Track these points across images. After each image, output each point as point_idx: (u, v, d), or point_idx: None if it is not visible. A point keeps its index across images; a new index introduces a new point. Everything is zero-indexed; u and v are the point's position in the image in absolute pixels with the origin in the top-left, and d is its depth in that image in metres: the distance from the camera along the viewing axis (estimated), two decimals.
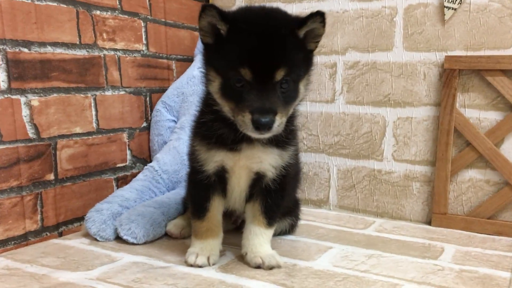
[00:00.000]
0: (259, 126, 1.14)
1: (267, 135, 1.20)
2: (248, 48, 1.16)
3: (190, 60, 2.26)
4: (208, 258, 1.36)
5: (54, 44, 1.63)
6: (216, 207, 1.40)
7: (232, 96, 1.19)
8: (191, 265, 1.34)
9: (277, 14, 1.27)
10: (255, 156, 1.33)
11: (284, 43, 1.18)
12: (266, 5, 1.39)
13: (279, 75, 1.17)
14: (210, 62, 1.26)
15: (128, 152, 1.95)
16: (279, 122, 1.17)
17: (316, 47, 1.30)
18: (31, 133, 1.56)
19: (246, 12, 1.27)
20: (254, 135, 1.20)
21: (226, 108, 1.23)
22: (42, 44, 1.59)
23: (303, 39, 1.24)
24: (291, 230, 1.68)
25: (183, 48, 2.24)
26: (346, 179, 2.05)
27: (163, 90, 2.10)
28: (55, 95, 1.63)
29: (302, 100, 1.33)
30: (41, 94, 1.59)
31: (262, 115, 1.14)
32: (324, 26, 1.24)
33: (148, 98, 2.04)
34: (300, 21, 1.21)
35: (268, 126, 1.15)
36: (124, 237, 1.51)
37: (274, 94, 1.17)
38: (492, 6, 1.75)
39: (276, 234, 1.64)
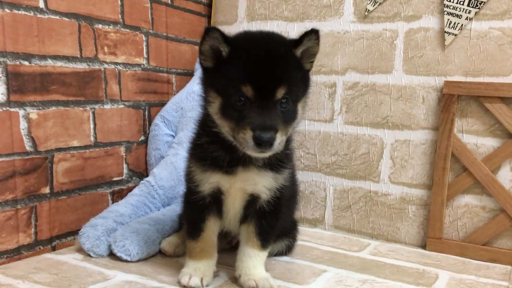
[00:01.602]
0: (260, 143, 1.15)
1: (267, 153, 1.20)
2: (249, 66, 1.18)
3: (190, 74, 2.26)
4: (202, 279, 1.35)
5: (55, 57, 1.63)
6: (211, 228, 1.40)
7: (233, 115, 1.20)
8: (184, 286, 1.33)
9: (275, 36, 1.31)
10: (250, 178, 1.34)
11: (284, 62, 1.21)
12: (263, 30, 1.42)
13: (280, 93, 1.18)
14: (209, 83, 1.27)
15: (124, 166, 1.94)
16: (279, 140, 1.18)
17: (311, 67, 1.33)
18: (28, 146, 1.55)
19: (246, 35, 1.31)
20: (255, 153, 1.20)
21: (225, 128, 1.24)
22: (43, 57, 1.59)
23: (300, 59, 1.27)
24: (287, 251, 1.68)
25: (184, 63, 2.24)
26: (342, 199, 2.05)
27: (162, 104, 2.10)
28: (53, 108, 1.63)
29: (299, 123, 1.33)
30: (40, 107, 1.59)
31: (264, 132, 1.14)
32: (318, 44, 1.28)
33: (146, 112, 2.04)
34: (296, 41, 1.25)
35: (269, 143, 1.15)
36: (118, 254, 1.50)
37: (275, 112, 1.19)
38: (492, 34, 1.76)
39: (273, 255, 1.64)
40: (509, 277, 1.57)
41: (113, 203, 1.85)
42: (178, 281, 1.36)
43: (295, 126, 1.32)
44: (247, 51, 1.20)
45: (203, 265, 1.38)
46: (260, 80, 1.17)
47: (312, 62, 1.32)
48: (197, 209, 1.38)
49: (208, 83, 1.28)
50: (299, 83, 1.26)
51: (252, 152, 1.20)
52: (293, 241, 1.69)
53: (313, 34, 1.24)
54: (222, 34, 1.20)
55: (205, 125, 1.34)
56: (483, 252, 1.75)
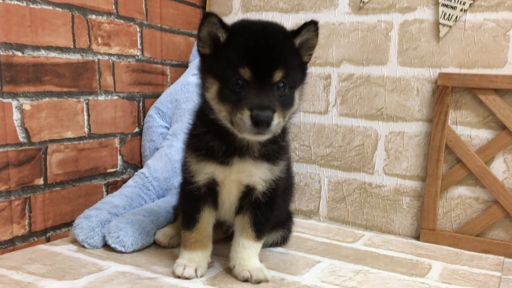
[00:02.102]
0: (258, 122, 1.15)
1: (265, 135, 1.20)
2: (247, 49, 1.19)
3: (185, 65, 2.25)
4: (196, 270, 1.35)
5: (48, 48, 1.62)
6: (206, 218, 1.40)
7: (230, 98, 1.20)
8: (179, 277, 1.34)
9: (273, 23, 1.32)
10: (245, 169, 1.34)
11: (281, 47, 1.22)
12: (261, 19, 1.41)
13: (277, 76, 1.19)
14: (207, 69, 1.27)
15: (119, 157, 1.94)
16: (277, 121, 1.17)
17: (310, 59, 1.35)
18: (21, 137, 1.55)
19: (244, 22, 1.32)
20: (252, 135, 1.20)
21: (223, 113, 1.24)
22: (36, 47, 1.58)
23: (299, 49, 1.28)
24: (282, 242, 1.69)
25: (178, 54, 2.23)
26: (337, 191, 2.06)
27: (156, 96, 2.09)
28: (47, 99, 1.62)
29: (295, 112, 1.33)
30: (33, 98, 1.58)
31: (261, 111, 1.15)
32: (317, 36, 1.29)
33: (141, 104, 2.04)
34: (295, 31, 1.26)
35: (267, 122, 1.15)
36: (112, 245, 1.50)
37: (272, 94, 1.19)
38: (487, 25, 1.76)
39: (268, 246, 1.65)
40: (501, 267, 1.58)
41: (107, 194, 1.85)
42: (172, 272, 1.36)
43: (292, 114, 1.32)
44: (245, 35, 1.22)
45: (197, 255, 1.38)
46: (257, 62, 1.18)
47: (311, 55, 1.34)
48: (192, 199, 1.38)
49: (205, 69, 1.28)
50: (296, 70, 1.26)
51: (249, 135, 1.19)
52: (288, 232, 1.69)
53: (312, 25, 1.26)
54: (219, 20, 1.21)
55: (201, 114, 1.34)
56: (476, 243, 1.76)
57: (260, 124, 1.15)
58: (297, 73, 1.26)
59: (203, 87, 1.28)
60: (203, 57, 1.29)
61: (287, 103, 1.24)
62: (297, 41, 1.26)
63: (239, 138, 1.29)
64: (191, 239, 1.39)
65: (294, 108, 1.29)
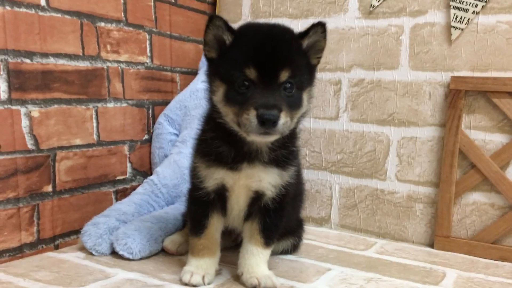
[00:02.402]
0: (264, 121, 1.13)
1: (272, 135, 1.18)
2: (252, 49, 1.19)
3: (194, 73, 2.25)
4: (203, 277, 1.33)
5: (57, 55, 1.62)
6: (215, 225, 1.38)
7: (237, 99, 1.19)
8: (186, 284, 1.32)
9: (280, 26, 1.30)
10: (255, 175, 1.32)
11: (288, 47, 1.21)
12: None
13: (284, 76, 1.18)
14: (214, 72, 1.27)
15: (128, 164, 1.93)
16: (284, 121, 1.16)
17: (319, 62, 1.33)
18: (30, 144, 1.55)
19: (250, 24, 1.34)
20: (259, 136, 1.18)
21: (230, 116, 1.22)
22: (45, 55, 1.59)
23: (307, 52, 1.27)
24: (293, 250, 1.66)
25: (188, 61, 2.23)
26: (348, 198, 2.02)
27: (166, 103, 2.09)
28: (56, 106, 1.63)
29: (305, 115, 1.32)
30: (42, 105, 1.58)
31: (267, 110, 1.13)
32: (325, 37, 1.28)
33: (150, 111, 2.03)
34: (303, 32, 1.25)
35: (273, 121, 1.13)
36: (120, 252, 1.49)
37: (279, 94, 1.18)
38: (500, 27, 1.72)
39: (278, 253, 1.62)
40: None
41: (116, 202, 1.84)
42: (179, 279, 1.34)
43: (301, 117, 1.30)
44: (251, 36, 1.22)
45: (205, 262, 1.36)
46: (263, 62, 1.17)
47: (319, 58, 1.32)
48: (201, 205, 1.37)
49: (212, 73, 1.27)
50: (304, 71, 1.24)
51: (256, 135, 1.18)
52: (298, 240, 1.67)
53: (319, 27, 1.24)
54: (225, 22, 1.21)
55: (210, 119, 1.34)
56: (492, 250, 1.71)
57: (267, 123, 1.13)
58: (304, 74, 1.24)
59: (211, 91, 1.27)
60: (209, 61, 1.28)
61: (294, 104, 1.22)
62: (305, 42, 1.25)
63: (248, 142, 1.27)
64: (199, 246, 1.37)
65: (303, 110, 1.27)
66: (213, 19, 1.21)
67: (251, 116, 1.14)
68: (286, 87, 1.19)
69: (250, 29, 1.26)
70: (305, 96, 1.26)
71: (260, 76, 1.17)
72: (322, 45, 1.29)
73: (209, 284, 1.33)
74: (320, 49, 1.29)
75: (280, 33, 1.24)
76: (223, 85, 1.22)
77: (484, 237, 1.74)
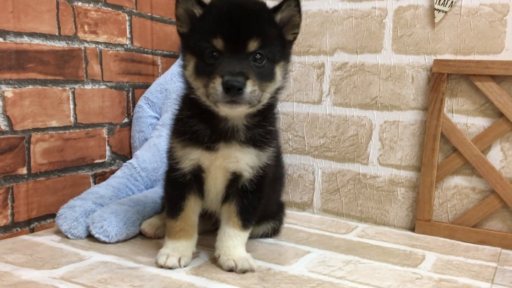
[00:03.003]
0: (229, 88, 1.12)
1: (240, 105, 1.16)
2: (220, 19, 1.18)
3: (176, 56, 2.22)
4: (180, 260, 1.31)
5: (31, 35, 1.58)
6: (192, 207, 1.36)
7: (205, 71, 1.18)
8: (161, 266, 1.30)
9: (254, 0, 1.28)
10: (232, 155, 1.30)
11: (257, 18, 1.20)
12: None
13: (252, 45, 1.17)
14: (185, 47, 1.26)
15: (107, 148, 1.90)
16: (251, 89, 1.14)
17: (295, 38, 1.31)
18: (3, 125, 1.51)
19: None
20: (227, 106, 1.16)
21: (200, 89, 1.22)
22: (19, 34, 1.54)
23: (282, 26, 1.25)
24: (273, 234, 1.65)
25: (170, 44, 2.19)
26: (331, 182, 2.01)
27: (146, 86, 2.05)
28: (30, 87, 1.59)
29: (280, 91, 1.30)
30: (16, 86, 1.54)
31: (233, 76, 1.12)
32: (299, 12, 1.26)
33: (130, 94, 2.00)
34: (276, 6, 1.24)
35: (238, 88, 1.12)
36: (96, 235, 1.46)
37: (247, 63, 1.17)
38: (483, 10, 1.71)
39: (258, 237, 1.60)
40: (498, 258, 1.53)
41: (95, 185, 1.81)
42: (155, 262, 1.32)
43: (276, 92, 1.28)
44: (220, 8, 1.21)
45: (181, 245, 1.34)
46: (231, 31, 1.16)
47: (295, 33, 1.30)
48: (177, 187, 1.35)
49: (184, 47, 1.27)
50: (275, 43, 1.22)
51: (224, 105, 1.16)
52: (279, 224, 1.65)
53: (292, 1, 1.23)
54: None
55: (185, 97, 1.33)
56: (473, 234, 1.71)
57: (231, 90, 1.12)
58: (276, 47, 1.22)
59: (183, 66, 1.27)
60: (182, 36, 1.28)
61: (265, 76, 1.20)
62: (278, 16, 1.23)
63: (223, 119, 1.26)
64: (176, 228, 1.35)
65: (276, 85, 1.25)
66: None
67: (217, 84, 1.13)
68: (256, 58, 1.18)
69: (221, 1, 1.24)
70: (278, 70, 1.24)
71: (227, 46, 1.15)
72: (297, 20, 1.27)
73: (185, 266, 1.32)
74: (295, 25, 1.28)
75: (249, 4, 1.23)
76: (193, 58, 1.21)
77: (465, 220, 1.74)
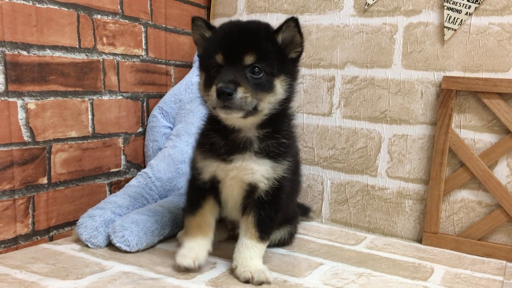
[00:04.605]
0: (220, 94, 1.20)
1: (233, 110, 1.23)
2: (222, 38, 1.30)
3: (189, 66, 2.26)
4: (194, 261, 1.36)
5: (54, 48, 1.62)
6: (210, 208, 1.44)
7: (209, 84, 1.28)
8: (178, 266, 1.36)
9: (256, 21, 1.40)
10: (247, 167, 1.36)
11: (255, 35, 1.29)
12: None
13: (248, 59, 1.25)
14: (199, 66, 1.39)
15: (122, 157, 1.94)
16: (241, 95, 1.22)
17: (299, 56, 1.38)
18: (26, 136, 1.55)
19: (229, 21, 1.40)
20: (221, 111, 1.24)
21: (208, 102, 1.29)
22: (41, 47, 1.58)
23: (284, 46, 1.32)
24: (290, 239, 1.70)
25: (183, 54, 2.24)
26: (340, 193, 2.06)
27: (160, 96, 2.10)
28: (52, 98, 1.63)
29: (284, 103, 1.34)
30: (38, 98, 1.58)
31: (224, 83, 1.21)
32: (299, 31, 1.32)
33: (145, 104, 2.04)
34: (277, 28, 1.32)
35: (228, 93, 1.20)
36: (117, 244, 1.50)
37: (242, 74, 1.25)
38: (492, 29, 1.76)
39: (275, 243, 1.66)
40: (504, 272, 1.58)
41: (110, 194, 1.85)
42: (174, 261, 1.39)
43: (282, 104, 1.33)
44: (224, 29, 1.34)
45: (197, 244, 1.40)
46: (230, 47, 1.26)
47: (298, 52, 1.36)
48: (199, 189, 1.43)
49: (199, 67, 1.39)
50: (274, 58, 1.29)
51: (220, 111, 1.25)
52: (295, 229, 1.72)
53: (291, 21, 1.30)
54: (205, 21, 1.36)
55: (207, 113, 1.44)
56: (479, 246, 1.76)
57: (221, 95, 1.20)
58: (276, 61, 1.29)
59: (198, 84, 1.39)
60: (199, 57, 1.40)
61: (263, 87, 1.27)
62: (279, 37, 1.31)
63: (235, 130, 1.34)
64: (193, 223, 1.42)
65: (277, 96, 1.31)
66: (194, 20, 1.36)
67: (212, 91, 1.23)
68: (254, 71, 1.26)
69: (227, 24, 1.36)
70: (278, 83, 1.30)
71: (226, 60, 1.26)
72: (299, 40, 1.33)
73: (199, 266, 1.37)
74: (298, 43, 1.34)
75: (250, 24, 1.35)
76: (203, 74, 1.34)
77: (471, 233, 1.79)
